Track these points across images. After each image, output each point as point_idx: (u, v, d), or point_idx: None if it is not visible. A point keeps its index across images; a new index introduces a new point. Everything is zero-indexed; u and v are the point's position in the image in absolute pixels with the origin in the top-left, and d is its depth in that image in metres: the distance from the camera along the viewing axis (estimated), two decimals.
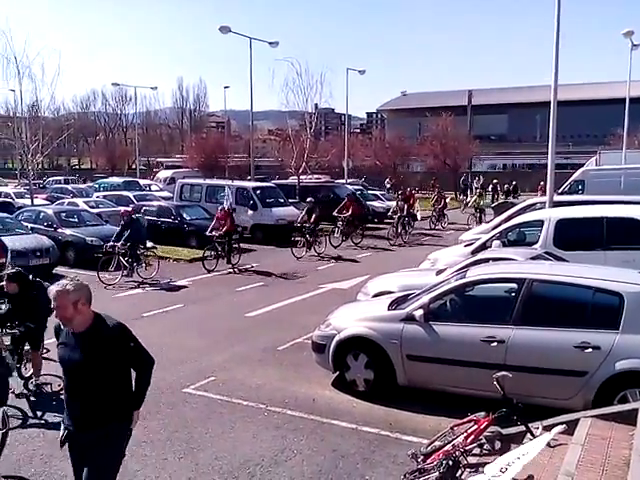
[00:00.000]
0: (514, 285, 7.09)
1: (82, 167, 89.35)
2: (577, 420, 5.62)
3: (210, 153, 47.16)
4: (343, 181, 34.64)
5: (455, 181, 45.29)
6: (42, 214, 18.66)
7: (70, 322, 4.06)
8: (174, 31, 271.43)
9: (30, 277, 7.80)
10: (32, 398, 7.58)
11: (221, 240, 16.81)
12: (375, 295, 9.88)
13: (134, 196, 26.83)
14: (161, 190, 35.70)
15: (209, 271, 16.00)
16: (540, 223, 11.39)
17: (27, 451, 6.22)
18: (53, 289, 4.00)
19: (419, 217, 25.86)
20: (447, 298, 7.46)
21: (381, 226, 26.11)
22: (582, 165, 26.80)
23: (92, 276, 14.52)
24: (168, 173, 43.22)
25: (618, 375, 6.18)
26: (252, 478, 5.73)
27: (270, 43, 29.64)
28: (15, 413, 7.10)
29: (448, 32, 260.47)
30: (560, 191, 19.30)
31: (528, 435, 5.26)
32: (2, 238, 13.59)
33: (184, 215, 20.86)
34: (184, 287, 14.57)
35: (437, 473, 4.91)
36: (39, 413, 7.20)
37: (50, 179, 46.57)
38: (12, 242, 15.21)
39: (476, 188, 37.37)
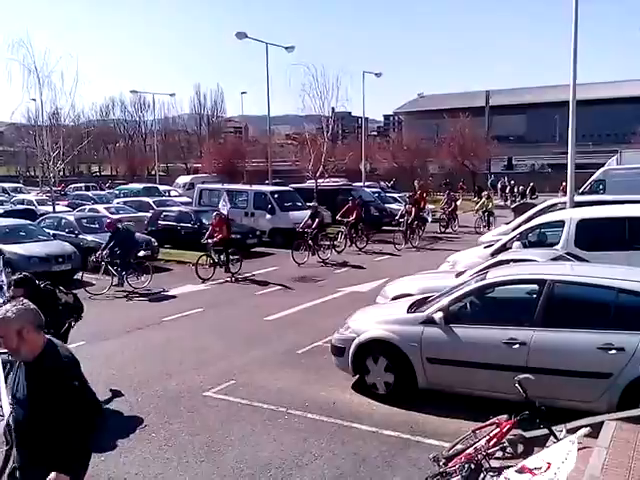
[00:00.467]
0: (535, 286, 7.02)
1: (102, 174, 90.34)
2: (601, 423, 5.54)
3: (228, 158, 47.46)
4: (361, 184, 34.61)
5: (474, 182, 44.99)
6: (64, 221, 18.91)
7: (17, 353, 3.51)
8: (191, 38, 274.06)
9: (42, 284, 7.68)
10: None
11: (217, 248, 16.26)
12: (394, 298, 9.82)
13: (154, 202, 27.06)
14: (180, 195, 35.97)
15: (203, 280, 15.48)
16: (561, 224, 11.27)
17: None
18: None
19: (429, 220, 25.15)
20: (467, 300, 7.41)
21: (397, 229, 25.81)
22: (602, 165, 26.48)
23: (106, 281, 14.65)
24: (187, 179, 43.56)
25: None
26: None
27: (286, 48, 29.75)
28: None
29: (465, 33, 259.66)
30: (581, 191, 19.07)
31: (552, 438, 5.19)
32: None
33: (203, 220, 20.95)
34: (173, 297, 14.05)
35: (459, 477, 4.86)
36: None
37: (71, 186, 47.18)
38: (35, 248, 15.48)
39: (480, 189, 36.39)
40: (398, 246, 21.20)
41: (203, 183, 30.49)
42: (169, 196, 34.81)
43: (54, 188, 26.10)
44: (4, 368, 6.83)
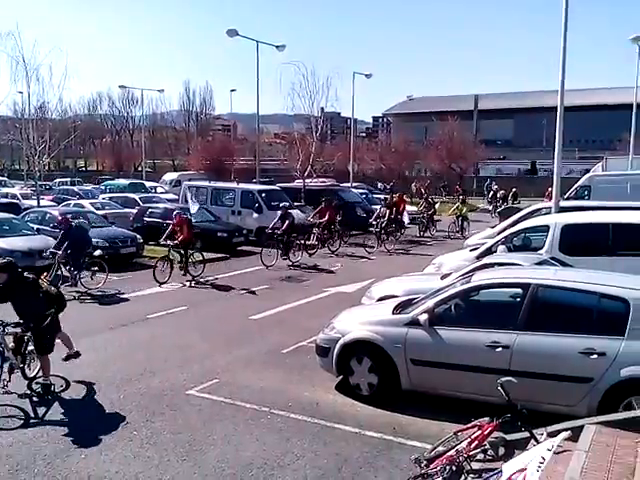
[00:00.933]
0: (519, 290, 7.07)
1: (89, 169, 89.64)
2: (582, 427, 5.58)
3: (216, 156, 47.32)
4: (349, 184, 34.66)
5: (460, 185, 45.19)
6: (48, 215, 18.76)
7: None
8: (181, 34, 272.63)
9: (25, 274, 7.77)
10: (35, 399, 7.59)
11: (177, 250, 15.32)
12: (379, 299, 9.86)
13: (140, 198, 26.93)
14: (167, 192, 35.82)
15: (160, 284, 14.52)
16: (546, 228, 11.37)
17: (30, 452, 6.22)
18: None
19: (407, 222, 24.42)
20: (452, 303, 7.45)
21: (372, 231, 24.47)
22: (588, 170, 26.76)
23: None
24: (174, 175, 43.39)
25: (623, 382, 6.14)
26: None
27: (277, 46, 29.71)
28: (18, 414, 7.13)
29: (455, 37, 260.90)
30: (566, 196, 19.25)
31: (532, 441, 5.23)
32: None
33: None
34: (126, 300, 13.28)
35: (441, 478, 4.89)
36: (42, 414, 7.20)
37: (56, 180, 46.81)
38: (19, 242, 15.33)
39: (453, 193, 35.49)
40: (370, 249, 20.84)
41: (190, 180, 30.36)
42: (155, 193, 34.65)
43: (39, 182, 25.85)
44: None
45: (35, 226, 17.72)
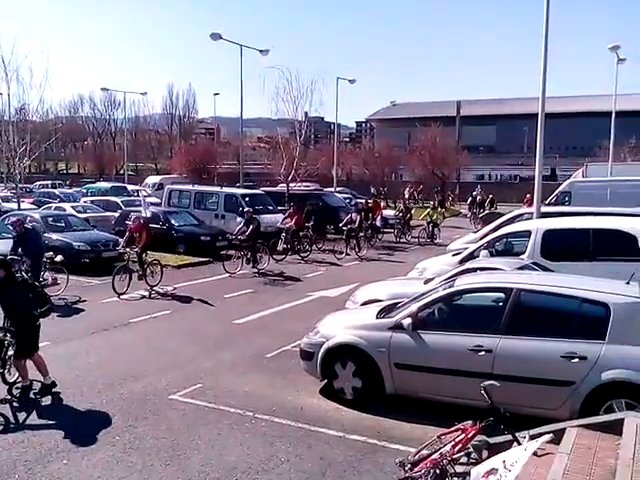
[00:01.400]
0: (501, 295, 7.14)
1: (70, 172, 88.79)
2: (563, 430, 5.65)
3: (199, 160, 47.10)
4: (332, 189, 34.72)
5: (443, 190, 45.52)
6: (29, 218, 18.49)
7: None
8: (165, 37, 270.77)
9: (17, 275, 7.81)
10: (15, 404, 7.50)
11: (136, 257, 14.47)
12: (364, 303, 9.89)
13: (122, 201, 26.70)
14: (149, 196, 35.57)
15: (119, 295, 13.60)
16: (527, 234, 11.48)
17: (10, 457, 6.14)
18: None
19: (379, 226, 24.27)
20: (435, 307, 7.50)
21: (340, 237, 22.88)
22: (568, 177, 27.12)
23: (78, 281, 14.46)
24: (156, 179, 43.14)
25: (604, 385, 6.23)
26: None
27: (261, 51, 29.74)
28: None
29: (437, 43, 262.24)
30: (547, 202, 19.47)
31: (515, 444, 5.28)
32: None
33: (172, 221, 20.78)
34: (81, 310, 12.61)
35: None
36: (22, 419, 7.12)
37: (37, 183, 46.30)
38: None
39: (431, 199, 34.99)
40: (339, 255, 20.25)
41: (172, 184, 30.21)
42: (137, 196, 34.39)
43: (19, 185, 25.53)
44: None
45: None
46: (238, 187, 28.96)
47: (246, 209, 18.89)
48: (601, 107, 53.21)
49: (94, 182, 45.84)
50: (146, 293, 14.12)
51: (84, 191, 36.64)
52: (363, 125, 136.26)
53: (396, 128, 78.03)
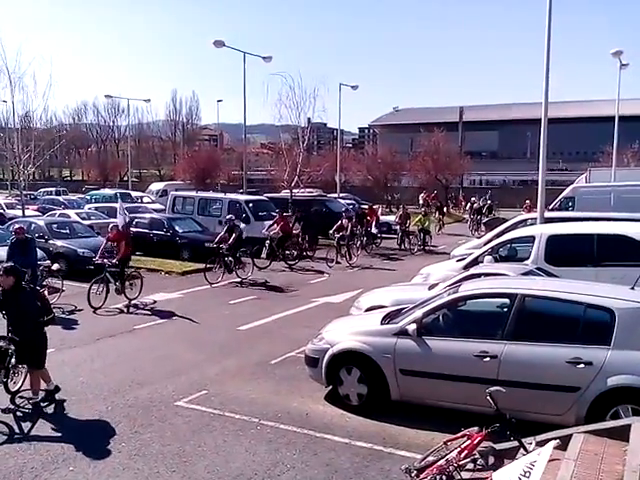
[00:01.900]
0: (506, 300, 7.14)
1: (74, 179, 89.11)
2: (570, 436, 5.64)
3: (202, 166, 47.23)
4: (335, 195, 34.78)
5: (446, 197, 45.50)
6: (33, 225, 18.56)
7: None
8: (169, 44, 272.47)
9: (23, 282, 7.78)
10: (19, 413, 7.48)
11: (112, 270, 13.51)
12: (368, 309, 9.89)
13: (126, 208, 26.73)
14: (153, 202, 35.68)
15: (95, 309, 12.85)
16: (531, 239, 11.48)
17: (17, 464, 6.15)
18: None
19: (375, 231, 23.71)
20: (440, 313, 7.49)
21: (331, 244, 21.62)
22: (572, 182, 27.09)
23: (82, 288, 14.46)
24: (160, 185, 43.27)
25: (610, 391, 6.22)
26: None
27: (264, 58, 29.81)
28: (2, 427, 7.04)
29: (440, 48, 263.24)
30: (550, 207, 19.46)
31: (521, 450, 5.28)
32: None
33: (176, 228, 20.85)
34: (86, 317, 12.38)
35: None
36: (29, 426, 7.12)
37: (41, 190, 46.47)
38: (1, 252, 15.12)
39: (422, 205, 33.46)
40: (330, 264, 19.26)
41: (176, 190, 30.30)
42: (141, 202, 34.51)
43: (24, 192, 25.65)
44: None
45: None
46: (242, 193, 29.00)
47: (228, 216, 18.33)
48: (604, 112, 53.25)
49: (98, 189, 46.00)
50: (124, 308, 13.24)
51: (88, 198, 36.77)
52: (366, 131, 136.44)
53: (399, 134, 78.13)
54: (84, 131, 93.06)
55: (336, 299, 14.31)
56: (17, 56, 21.21)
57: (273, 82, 36.53)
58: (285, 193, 29.02)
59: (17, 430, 7.06)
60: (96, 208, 27.54)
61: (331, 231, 21.22)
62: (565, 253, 11.10)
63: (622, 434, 5.45)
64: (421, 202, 38.42)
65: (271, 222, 20.67)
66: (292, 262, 19.66)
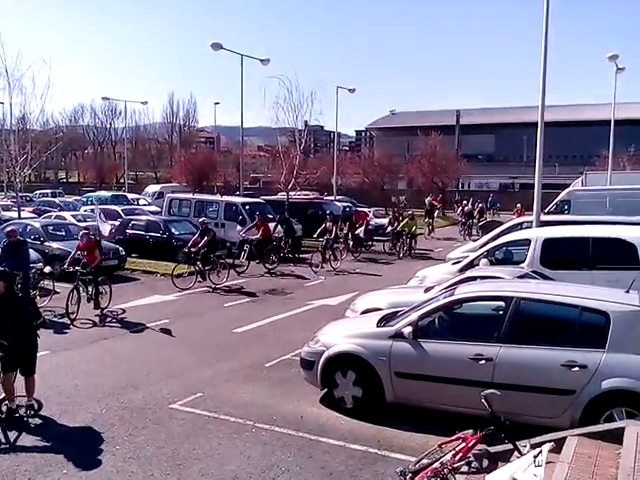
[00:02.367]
0: (502, 303, 7.15)
1: (70, 181, 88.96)
2: (564, 438, 5.65)
3: (199, 168, 47.19)
4: (332, 197, 34.77)
5: (443, 200, 45.55)
6: (29, 227, 18.52)
7: None
8: (166, 46, 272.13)
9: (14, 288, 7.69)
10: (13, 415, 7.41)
11: (84, 278, 12.87)
12: (363, 312, 9.89)
13: (122, 210, 26.76)
14: (149, 204, 35.65)
15: (72, 321, 12.06)
16: (527, 242, 11.50)
17: (10, 467, 6.12)
18: None
19: (361, 235, 23.31)
20: (435, 316, 7.50)
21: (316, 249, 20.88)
22: (568, 185, 27.16)
23: None
24: (156, 188, 43.25)
25: (604, 394, 6.23)
26: None
27: (261, 60, 29.84)
28: None
29: (437, 52, 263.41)
30: (546, 211, 19.50)
31: (516, 453, 5.28)
32: None
33: (172, 230, 20.81)
34: (80, 320, 12.17)
35: None
36: (21, 429, 7.05)
37: (37, 192, 46.36)
38: None
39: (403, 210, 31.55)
40: (315, 268, 18.89)
41: (173, 192, 30.28)
42: (138, 205, 34.48)
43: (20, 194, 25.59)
44: None
45: None
46: (238, 196, 29.00)
47: (201, 219, 18.05)
48: (600, 116, 53.46)
49: (94, 191, 45.94)
50: (96, 318, 12.56)
51: (84, 200, 36.72)
52: (363, 134, 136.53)
53: (396, 137, 78.13)
54: (81, 133, 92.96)
55: (332, 302, 14.30)
56: (16, 58, 21.26)
57: (270, 85, 36.62)
58: (282, 195, 29.03)
59: (10, 432, 7.01)
60: (92, 210, 27.47)
61: (315, 235, 20.92)
62: (560, 256, 11.13)
63: (616, 437, 5.46)
64: (427, 205, 38.11)
65: (250, 225, 20.42)
66: (271, 267, 19.18)
